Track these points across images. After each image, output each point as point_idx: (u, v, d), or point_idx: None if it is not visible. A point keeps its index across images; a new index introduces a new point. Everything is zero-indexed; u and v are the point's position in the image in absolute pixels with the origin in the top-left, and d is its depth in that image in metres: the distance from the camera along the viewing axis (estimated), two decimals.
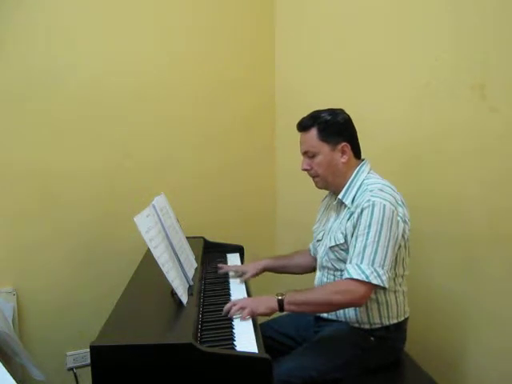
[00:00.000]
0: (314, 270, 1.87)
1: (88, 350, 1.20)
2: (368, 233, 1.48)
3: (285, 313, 1.82)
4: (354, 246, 1.50)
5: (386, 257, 1.46)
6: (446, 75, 1.81)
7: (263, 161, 2.58)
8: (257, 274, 1.88)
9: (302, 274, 1.94)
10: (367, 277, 1.44)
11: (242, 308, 1.50)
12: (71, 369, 2.17)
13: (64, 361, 2.18)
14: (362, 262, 1.46)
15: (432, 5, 1.85)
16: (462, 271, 1.82)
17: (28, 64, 2.03)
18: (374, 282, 1.44)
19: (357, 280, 1.45)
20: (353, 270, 1.47)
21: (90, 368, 1.22)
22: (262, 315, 1.53)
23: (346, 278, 1.48)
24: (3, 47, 2.00)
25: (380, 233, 1.47)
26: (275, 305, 1.49)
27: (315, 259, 1.85)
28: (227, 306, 1.52)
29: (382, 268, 1.45)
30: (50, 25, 2.06)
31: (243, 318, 1.47)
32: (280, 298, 1.49)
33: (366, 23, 2.12)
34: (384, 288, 1.48)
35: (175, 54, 2.32)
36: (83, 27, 2.11)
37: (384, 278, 1.45)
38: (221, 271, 1.91)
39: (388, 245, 1.47)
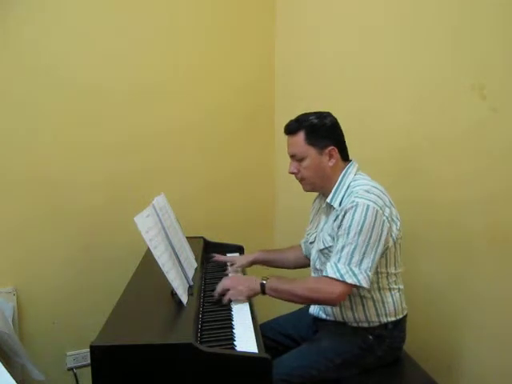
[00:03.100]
0: (304, 266, 1.90)
1: (88, 350, 1.20)
2: (348, 233, 1.49)
3: (284, 312, 1.86)
4: (335, 246, 1.52)
5: (363, 257, 1.47)
6: (446, 75, 1.81)
7: (263, 161, 2.59)
8: (246, 266, 1.92)
9: (292, 269, 1.96)
10: (342, 275, 1.46)
11: (226, 289, 1.59)
12: (71, 369, 2.17)
13: (64, 361, 2.18)
14: (339, 261, 1.48)
15: (432, 5, 1.85)
16: (460, 270, 1.82)
17: (29, 70, 2.02)
18: (349, 280, 1.45)
19: (332, 278, 1.47)
20: (329, 269, 1.49)
21: (90, 368, 1.22)
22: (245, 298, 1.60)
23: (323, 276, 1.50)
24: (5, 46, 1.99)
25: (359, 233, 1.47)
26: (258, 288, 1.56)
27: (306, 258, 1.88)
28: (218, 286, 1.62)
29: (359, 267, 1.46)
30: (51, 28, 2.05)
31: (224, 300, 1.57)
32: (263, 281, 1.55)
33: (365, 23, 2.11)
34: (362, 287, 1.48)
35: (176, 58, 2.31)
36: (85, 32, 2.11)
37: (360, 277, 1.46)
38: (214, 259, 1.99)
39: (368, 244, 1.48)
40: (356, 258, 1.47)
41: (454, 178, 1.82)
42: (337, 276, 1.47)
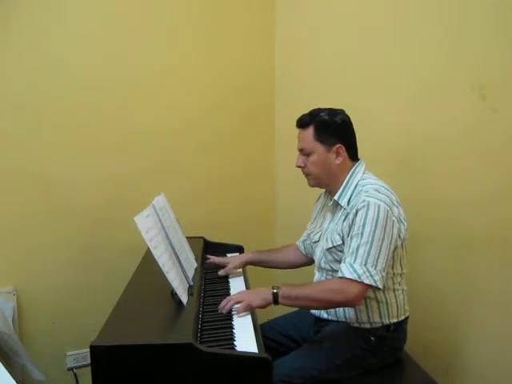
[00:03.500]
0: (301, 266, 1.91)
1: (88, 350, 1.20)
2: (362, 233, 1.48)
3: (285, 312, 1.85)
4: (349, 246, 1.51)
5: (378, 257, 1.47)
6: (446, 75, 1.81)
7: (263, 161, 2.58)
8: (239, 267, 1.91)
9: (288, 269, 1.96)
10: (359, 276, 1.45)
11: (238, 302, 1.52)
12: (71, 369, 2.17)
13: (64, 361, 2.18)
14: (354, 262, 1.47)
15: (432, 5, 1.85)
16: (460, 271, 1.82)
17: (29, 69, 2.02)
18: (366, 281, 1.45)
19: (349, 279, 1.46)
20: (346, 270, 1.48)
21: (90, 368, 1.22)
22: (257, 308, 1.54)
23: (340, 277, 1.49)
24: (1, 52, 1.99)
25: (374, 233, 1.47)
26: (270, 297, 1.50)
27: (305, 256, 1.88)
28: (223, 302, 1.54)
29: (375, 268, 1.46)
30: (52, 28, 2.05)
31: (238, 313, 1.50)
32: (275, 291, 1.50)
33: (365, 23, 2.12)
34: (377, 288, 1.48)
35: (176, 57, 2.31)
36: (85, 31, 2.11)
37: (376, 277, 1.46)
38: (208, 261, 1.96)
39: (382, 245, 1.47)
40: (372, 258, 1.46)
41: (454, 177, 1.82)
42: (354, 277, 1.45)
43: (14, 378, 1.12)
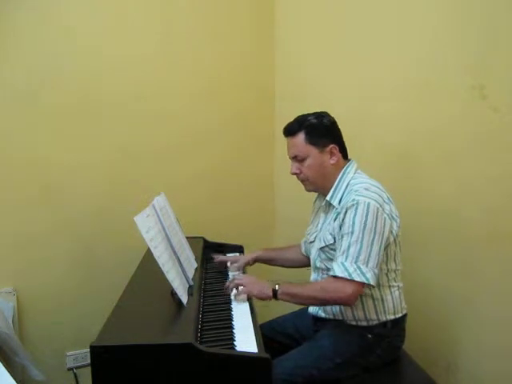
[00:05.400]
0: (303, 265, 1.92)
1: (88, 349, 1.21)
2: (352, 232, 1.50)
3: (284, 312, 1.85)
4: (340, 246, 1.53)
5: (370, 254, 1.48)
6: (446, 75, 1.81)
7: (263, 161, 2.59)
8: (248, 264, 1.96)
9: (292, 268, 1.99)
10: (350, 274, 1.46)
11: (240, 285, 1.62)
12: (71, 369, 2.17)
13: (64, 361, 2.18)
14: (346, 260, 1.48)
15: (432, 4, 1.85)
16: (460, 270, 1.82)
17: (30, 60, 2.03)
18: (357, 279, 1.46)
19: (341, 278, 1.48)
20: (337, 268, 1.49)
21: (90, 368, 1.22)
22: (255, 298, 1.62)
23: (331, 276, 1.51)
24: (5, 44, 2.00)
25: (363, 231, 1.48)
26: (270, 292, 1.55)
27: (306, 257, 1.89)
28: (227, 282, 1.69)
29: (367, 265, 1.47)
30: (53, 23, 2.06)
31: (238, 296, 1.62)
32: (276, 287, 1.55)
33: (365, 22, 2.11)
34: (370, 285, 1.49)
35: (174, 51, 2.32)
36: (84, 25, 2.11)
37: (368, 275, 1.47)
38: (216, 260, 2.01)
39: (373, 242, 1.48)
40: (363, 256, 1.47)
41: (453, 178, 1.81)
42: (345, 275, 1.47)
43: (13, 378, 1.12)
